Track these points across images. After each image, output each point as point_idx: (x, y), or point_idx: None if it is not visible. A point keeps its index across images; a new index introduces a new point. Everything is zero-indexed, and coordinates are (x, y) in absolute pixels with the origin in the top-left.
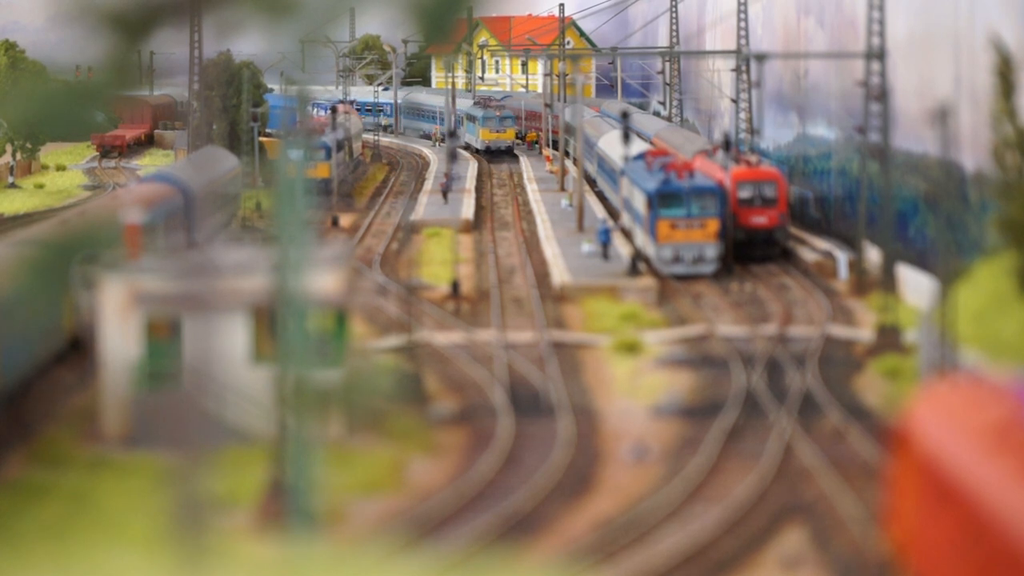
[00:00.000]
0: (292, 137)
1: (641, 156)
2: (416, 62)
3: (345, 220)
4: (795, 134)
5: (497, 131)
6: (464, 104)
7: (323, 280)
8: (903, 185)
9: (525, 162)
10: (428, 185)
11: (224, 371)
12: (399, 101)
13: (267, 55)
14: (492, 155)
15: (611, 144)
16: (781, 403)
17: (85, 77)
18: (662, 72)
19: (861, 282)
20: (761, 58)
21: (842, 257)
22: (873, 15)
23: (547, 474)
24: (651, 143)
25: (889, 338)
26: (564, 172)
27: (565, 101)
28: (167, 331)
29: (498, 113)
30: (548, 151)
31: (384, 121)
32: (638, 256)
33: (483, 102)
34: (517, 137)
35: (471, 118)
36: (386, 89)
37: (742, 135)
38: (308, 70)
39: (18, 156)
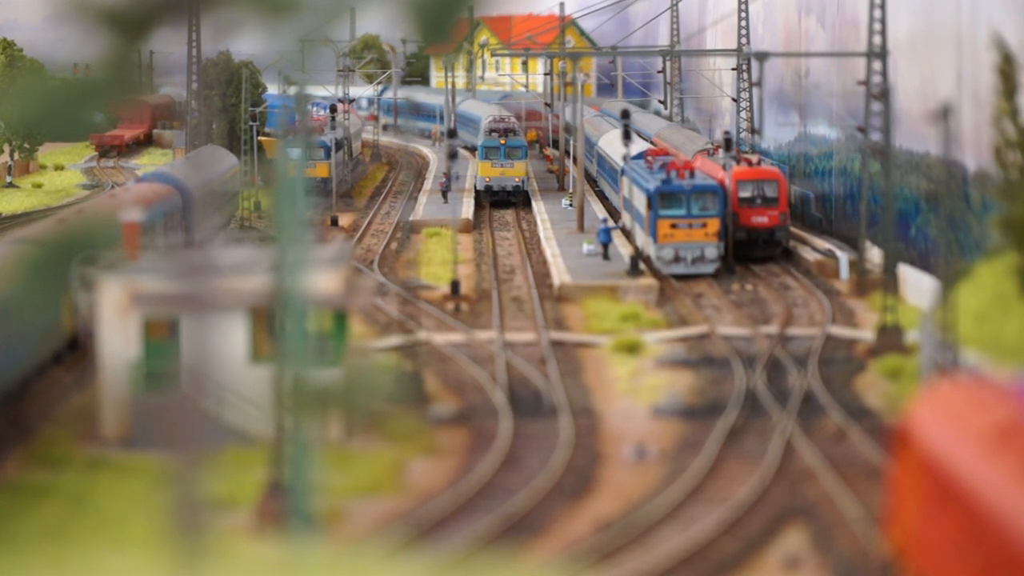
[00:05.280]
0: (291, 136)
1: (641, 155)
2: (416, 62)
3: (344, 220)
4: (796, 133)
5: (501, 165)
6: (463, 105)
7: (323, 280)
8: (904, 185)
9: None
10: (428, 184)
11: (223, 371)
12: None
13: (266, 55)
14: (495, 196)
15: (611, 143)
16: (782, 404)
17: (84, 76)
18: (663, 71)
19: (862, 282)
20: (762, 57)
21: (843, 257)
22: (874, 14)
23: (547, 475)
24: (651, 142)
25: (890, 338)
26: (564, 171)
27: (565, 100)
28: (165, 331)
29: (502, 140)
30: (549, 150)
31: (384, 120)
32: (638, 256)
33: (493, 123)
34: (540, 147)
35: (469, 121)
36: (385, 88)
37: (743, 134)
38: (307, 69)
39: (16, 155)
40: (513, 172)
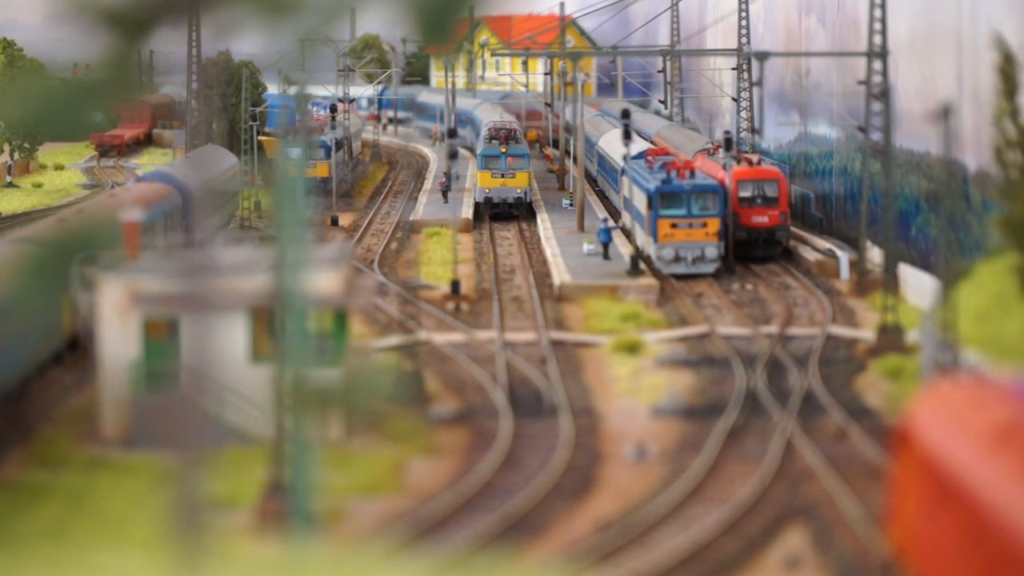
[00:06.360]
0: (291, 136)
1: (642, 155)
2: (416, 61)
3: (344, 219)
4: (796, 133)
5: (502, 175)
6: (478, 110)
7: (323, 280)
8: (905, 184)
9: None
10: (428, 184)
11: (223, 371)
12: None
13: (266, 55)
14: (495, 209)
15: (612, 143)
16: (782, 403)
17: (84, 76)
18: (663, 71)
19: (863, 282)
20: (762, 57)
21: (844, 257)
22: (875, 13)
23: (547, 475)
24: (652, 142)
25: (891, 338)
26: (565, 171)
27: (565, 100)
28: (165, 331)
29: (503, 148)
30: (549, 150)
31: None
32: (639, 255)
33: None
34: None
35: (469, 121)
36: (385, 88)
37: (743, 134)
38: (307, 69)
39: (16, 155)
40: (515, 183)
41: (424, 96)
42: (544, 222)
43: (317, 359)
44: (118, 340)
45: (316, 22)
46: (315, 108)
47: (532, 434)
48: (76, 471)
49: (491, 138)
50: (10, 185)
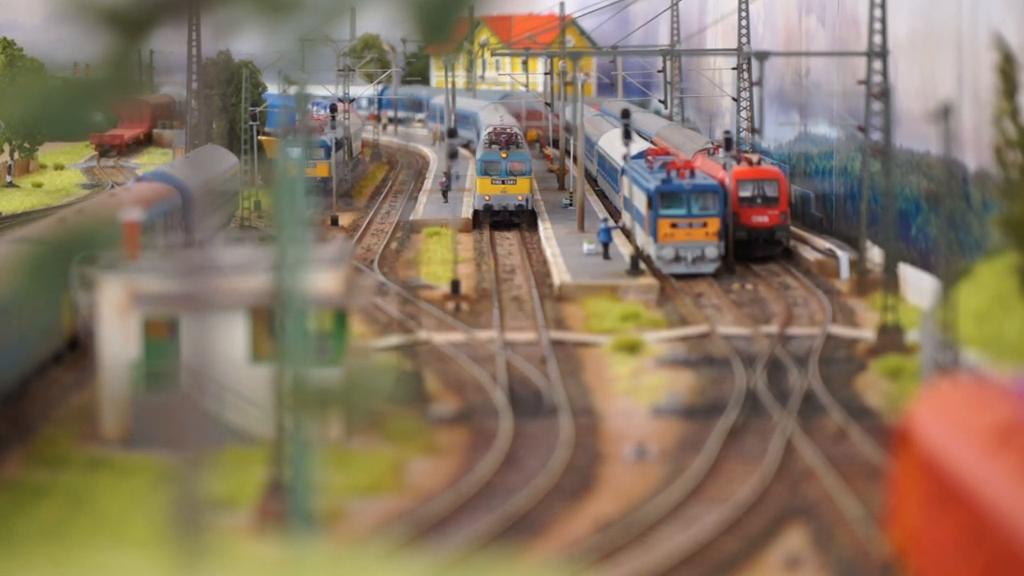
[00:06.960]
0: (291, 136)
1: (642, 155)
2: (416, 61)
3: (344, 219)
4: (796, 133)
5: (503, 181)
6: (484, 112)
7: (323, 280)
8: (905, 184)
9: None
10: (428, 184)
11: (223, 371)
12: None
13: (266, 54)
14: (495, 216)
15: (612, 143)
16: (782, 403)
17: (84, 75)
18: (663, 71)
19: (863, 282)
20: (762, 56)
21: (844, 256)
22: (875, 13)
23: (547, 474)
24: (652, 142)
25: (891, 338)
26: (565, 171)
27: (565, 100)
28: (165, 331)
29: (503, 153)
30: (549, 150)
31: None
32: (639, 255)
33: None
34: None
35: (468, 119)
36: (385, 88)
37: (743, 134)
38: (307, 69)
39: (16, 155)
40: (515, 190)
41: (437, 98)
42: (544, 222)
43: (317, 359)
44: (118, 340)
45: (316, 22)
46: (315, 108)
47: (532, 434)
48: (76, 471)
49: (491, 142)
50: (10, 185)
